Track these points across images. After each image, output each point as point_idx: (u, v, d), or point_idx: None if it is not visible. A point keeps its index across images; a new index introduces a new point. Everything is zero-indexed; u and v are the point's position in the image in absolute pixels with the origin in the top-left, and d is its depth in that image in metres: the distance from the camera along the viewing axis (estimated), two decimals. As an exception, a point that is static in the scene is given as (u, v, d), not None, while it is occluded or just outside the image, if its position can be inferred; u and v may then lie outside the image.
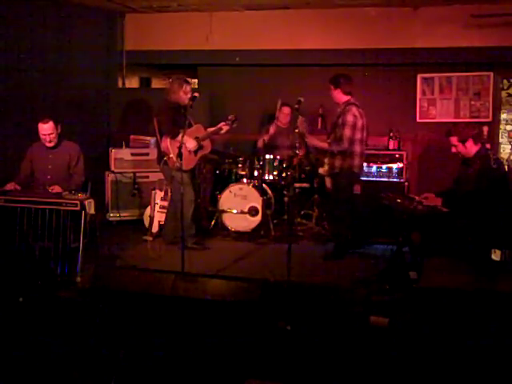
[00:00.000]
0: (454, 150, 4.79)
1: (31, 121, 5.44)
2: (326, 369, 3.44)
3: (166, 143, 5.54)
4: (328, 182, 5.85)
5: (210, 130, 5.86)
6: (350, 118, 5.32)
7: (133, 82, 8.38)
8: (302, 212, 6.67)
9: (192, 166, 5.71)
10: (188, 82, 5.70)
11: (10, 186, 5.12)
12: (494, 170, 4.61)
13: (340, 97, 5.46)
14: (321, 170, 5.99)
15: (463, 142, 4.69)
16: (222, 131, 5.87)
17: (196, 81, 8.24)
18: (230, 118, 5.83)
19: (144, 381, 3.42)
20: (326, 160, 5.57)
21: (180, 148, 4.91)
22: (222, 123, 5.83)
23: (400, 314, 3.98)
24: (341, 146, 5.34)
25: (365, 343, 3.66)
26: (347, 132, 5.32)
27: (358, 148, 5.40)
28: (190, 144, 5.59)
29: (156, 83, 9.05)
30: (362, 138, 5.41)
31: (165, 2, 6.97)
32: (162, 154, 5.63)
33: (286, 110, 6.78)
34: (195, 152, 5.70)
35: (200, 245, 5.80)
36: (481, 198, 4.50)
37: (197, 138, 5.66)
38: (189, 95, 5.52)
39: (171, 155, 5.49)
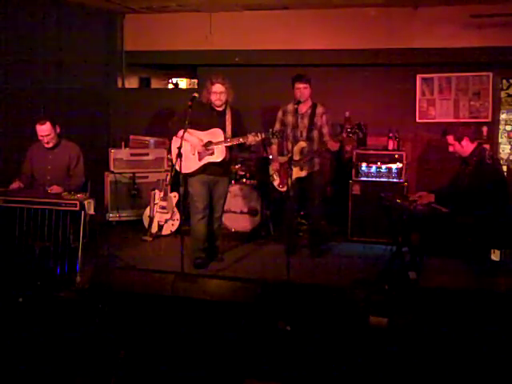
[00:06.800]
0: (450, 148, 4.82)
1: (31, 121, 5.43)
2: (325, 369, 3.44)
3: (172, 141, 5.21)
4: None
5: (233, 139, 5.07)
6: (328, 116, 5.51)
7: (132, 82, 8.37)
8: (302, 212, 6.67)
9: (190, 170, 5.12)
10: (213, 82, 5.18)
11: (15, 185, 5.15)
12: (488, 165, 4.63)
13: (309, 95, 5.53)
14: (301, 174, 5.46)
15: (459, 140, 4.73)
16: (250, 143, 5.05)
17: (196, 81, 8.25)
18: (271, 130, 5.07)
19: (144, 381, 3.42)
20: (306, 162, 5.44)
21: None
22: (252, 134, 5.01)
23: (399, 314, 3.98)
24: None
25: (364, 343, 3.66)
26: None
27: None
28: (194, 143, 5.08)
29: (156, 83, 9.04)
30: None
31: (164, 3, 6.96)
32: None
33: None
34: (202, 156, 5.09)
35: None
36: (476, 194, 4.51)
37: (208, 142, 5.08)
38: (214, 96, 5.13)
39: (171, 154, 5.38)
